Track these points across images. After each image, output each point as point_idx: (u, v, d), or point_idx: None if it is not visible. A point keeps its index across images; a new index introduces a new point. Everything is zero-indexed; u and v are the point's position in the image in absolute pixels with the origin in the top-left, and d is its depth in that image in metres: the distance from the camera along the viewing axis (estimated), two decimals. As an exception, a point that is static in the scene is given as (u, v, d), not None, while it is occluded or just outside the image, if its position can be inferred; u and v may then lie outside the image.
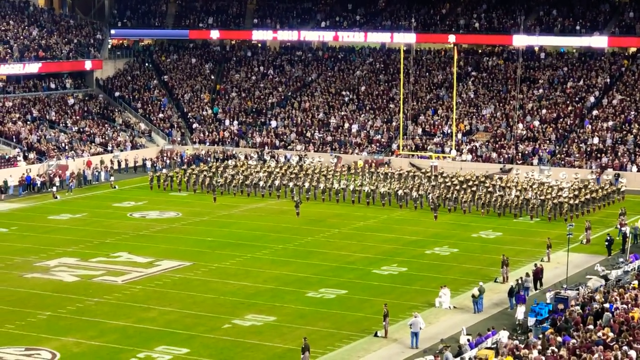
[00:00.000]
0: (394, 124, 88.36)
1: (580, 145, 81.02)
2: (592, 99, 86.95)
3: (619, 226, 59.01)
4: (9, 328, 41.57)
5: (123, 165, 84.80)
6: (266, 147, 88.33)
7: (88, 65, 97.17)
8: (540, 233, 60.07)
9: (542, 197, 66.09)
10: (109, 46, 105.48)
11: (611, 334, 33.41)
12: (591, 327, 34.87)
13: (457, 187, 69.66)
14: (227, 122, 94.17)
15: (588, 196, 66.57)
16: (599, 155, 79.23)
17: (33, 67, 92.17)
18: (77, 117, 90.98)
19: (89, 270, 51.06)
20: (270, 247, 56.84)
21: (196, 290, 47.51)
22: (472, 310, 44.22)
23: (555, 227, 61.56)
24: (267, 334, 41.00)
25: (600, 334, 33.49)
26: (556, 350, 32.64)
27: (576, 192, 67.32)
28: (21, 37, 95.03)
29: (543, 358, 32.18)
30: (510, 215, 65.68)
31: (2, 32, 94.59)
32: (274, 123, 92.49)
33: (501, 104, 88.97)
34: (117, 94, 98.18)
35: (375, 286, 48.58)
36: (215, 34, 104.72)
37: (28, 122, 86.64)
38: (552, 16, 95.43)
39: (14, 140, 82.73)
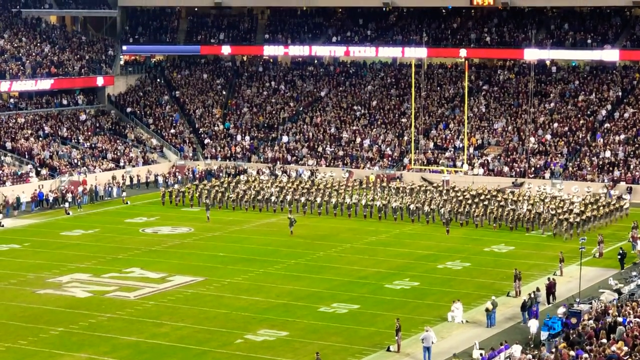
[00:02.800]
0: (405, 138, 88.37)
1: (592, 158, 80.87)
2: (603, 112, 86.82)
3: (631, 239, 58.87)
4: (22, 344, 41.61)
5: (135, 180, 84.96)
6: (278, 162, 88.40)
7: (100, 81, 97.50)
8: (552, 247, 59.92)
9: (554, 212, 65.81)
10: (121, 62, 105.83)
11: (625, 348, 33.25)
12: (604, 341, 34.72)
13: (469, 201, 69.57)
14: (238, 138, 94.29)
15: (589, 214, 64.96)
16: (611, 168, 79.07)
17: (45, 84, 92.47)
18: (89, 133, 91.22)
19: (101, 286, 51.10)
20: (282, 262, 56.82)
21: (208, 306, 47.52)
22: (485, 324, 44.14)
23: (567, 241, 61.41)
24: (279, 349, 40.96)
25: (613, 348, 33.34)
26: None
27: (583, 208, 66.45)
28: (33, 54, 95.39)
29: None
30: (523, 229, 65.56)
31: (14, 48, 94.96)
32: (285, 138, 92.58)
33: (513, 118, 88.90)
34: (128, 109, 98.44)
35: (388, 301, 48.53)
36: (226, 50, 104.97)
37: (40, 138, 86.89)
38: (563, 30, 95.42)
39: (26, 156, 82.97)
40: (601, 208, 67.05)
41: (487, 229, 66.36)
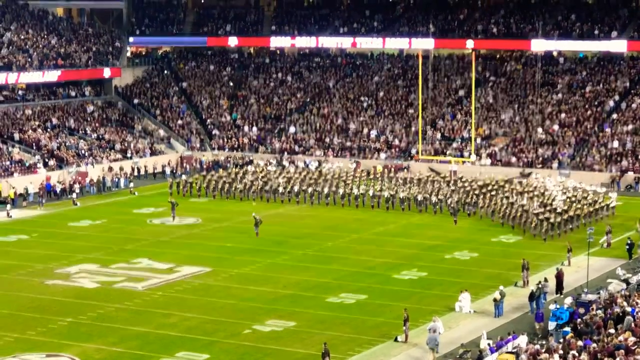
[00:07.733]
0: (412, 129, 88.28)
1: (600, 149, 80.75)
2: (611, 103, 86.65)
3: (639, 230, 58.71)
4: (30, 334, 41.72)
5: (142, 171, 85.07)
6: (285, 153, 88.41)
7: (107, 73, 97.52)
8: (560, 237, 59.88)
9: (536, 212, 63.38)
10: (128, 54, 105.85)
11: (633, 338, 33.23)
12: (612, 331, 34.70)
13: (477, 192, 69.47)
14: (246, 129, 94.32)
15: (572, 213, 62.52)
16: (619, 159, 78.95)
17: (52, 75, 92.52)
18: (97, 125, 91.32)
19: (109, 277, 51.19)
20: (289, 252, 56.85)
21: (216, 296, 47.58)
22: (493, 314, 44.14)
23: (575, 231, 61.28)
24: (287, 340, 41.01)
25: (621, 338, 33.33)
26: (577, 354, 32.50)
27: (566, 207, 63.53)
28: (40, 46, 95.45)
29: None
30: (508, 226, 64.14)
31: (21, 40, 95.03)
32: (292, 129, 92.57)
33: (520, 109, 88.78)
34: (136, 101, 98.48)
35: (395, 291, 48.53)
36: (233, 41, 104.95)
37: (48, 130, 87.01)
38: (570, 21, 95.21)
39: (34, 147, 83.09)
40: (585, 207, 64.66)
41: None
